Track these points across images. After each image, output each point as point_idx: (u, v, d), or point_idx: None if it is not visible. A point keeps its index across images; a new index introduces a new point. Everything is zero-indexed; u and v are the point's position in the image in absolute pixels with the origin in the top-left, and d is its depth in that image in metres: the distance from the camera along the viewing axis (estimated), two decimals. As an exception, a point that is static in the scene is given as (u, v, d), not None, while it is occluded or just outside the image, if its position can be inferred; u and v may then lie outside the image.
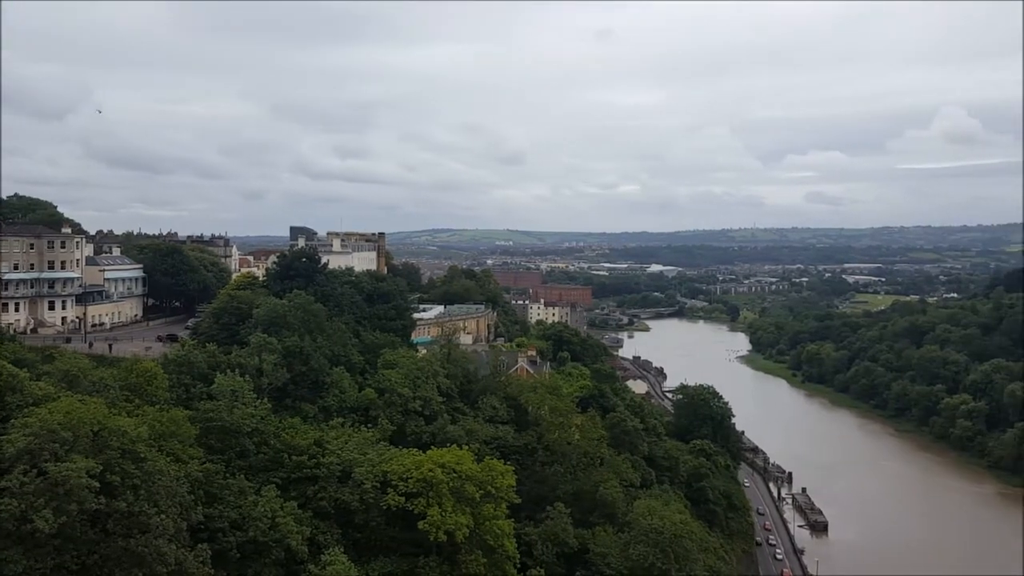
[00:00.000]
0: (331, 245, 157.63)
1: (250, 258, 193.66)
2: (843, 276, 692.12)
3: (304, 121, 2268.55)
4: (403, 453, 73.65)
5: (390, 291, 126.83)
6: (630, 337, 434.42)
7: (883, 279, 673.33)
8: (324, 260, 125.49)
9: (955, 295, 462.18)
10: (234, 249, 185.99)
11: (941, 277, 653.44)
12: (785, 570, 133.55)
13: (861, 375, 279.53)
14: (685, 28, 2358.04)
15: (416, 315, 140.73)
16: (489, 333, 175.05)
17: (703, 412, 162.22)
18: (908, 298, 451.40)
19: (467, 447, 76.82)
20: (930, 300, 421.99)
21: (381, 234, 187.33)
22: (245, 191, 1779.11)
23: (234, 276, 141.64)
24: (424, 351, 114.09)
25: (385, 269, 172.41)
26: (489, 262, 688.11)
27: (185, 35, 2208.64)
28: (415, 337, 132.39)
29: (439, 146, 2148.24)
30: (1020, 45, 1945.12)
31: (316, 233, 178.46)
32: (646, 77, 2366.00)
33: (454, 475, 68.55)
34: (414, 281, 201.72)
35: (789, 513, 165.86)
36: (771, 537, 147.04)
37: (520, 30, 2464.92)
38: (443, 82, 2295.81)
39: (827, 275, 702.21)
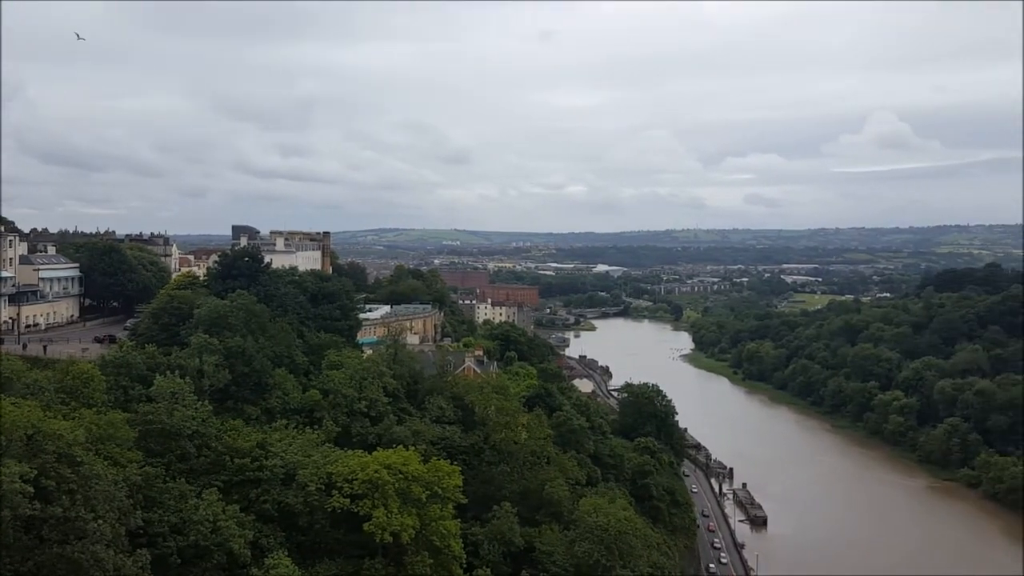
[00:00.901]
0: (274, 244, 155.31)
1: (191, 257, 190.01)
2: (782, 276, 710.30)
3: (245, 118, 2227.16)
4: (348, 455, 73.17)
5: (335, 291, 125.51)
6: (576, 336, 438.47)
7: (820, 279, 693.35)
8: (267, 260, 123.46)
9: (888, 295, 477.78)
10: (174, 248, 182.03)
11: (874, 277, 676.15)
12: None
13: (799, 372, 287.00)
14: (625, 31, 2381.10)
15: (362, 315, 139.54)
16: (436, 333, 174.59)
17: (647, 410, 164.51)
18: (843, 298, 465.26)
19: (413, 448, 76.63)
20: (864, 300, 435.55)
21: (326, 233, 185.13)
22: (185, 189, 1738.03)
23: (174, 276, 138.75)
24: (370, 351, 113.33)
25: (330, 269, 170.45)
26: (436, 262, 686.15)
27: (120, 31, 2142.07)
28: (361, 337, 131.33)
29: (384, 145, 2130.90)
30: (944, 52, 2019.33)
31: (259, 232, 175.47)
32: (589, 79, 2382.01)
33: (400, 476, 68.33)
34: (360, 281, 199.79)
35: (730, 508, 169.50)
36: (716, 539, 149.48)
37: (464, 29, 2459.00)
38: (387, 80, 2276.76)
39: (766, 275, 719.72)
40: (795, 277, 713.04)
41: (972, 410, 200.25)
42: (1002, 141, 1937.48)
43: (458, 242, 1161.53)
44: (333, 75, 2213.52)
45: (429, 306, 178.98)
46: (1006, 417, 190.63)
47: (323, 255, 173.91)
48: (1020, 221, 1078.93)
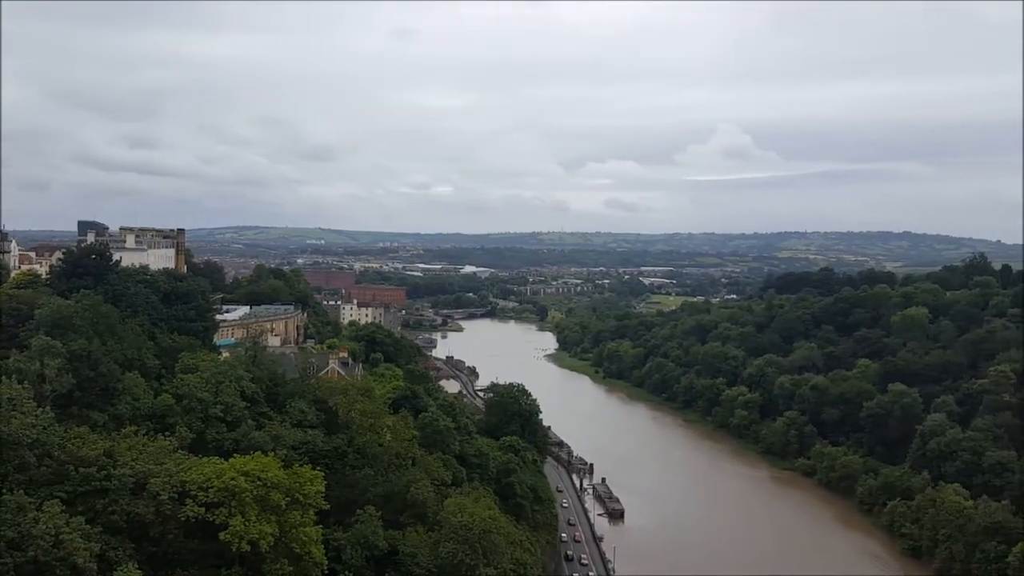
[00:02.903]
0: (124, 241, 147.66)
1: (32, 254, 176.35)
2: (640, 278, 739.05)
3: (87, 107, 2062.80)
4: (203, 462, 71.02)
5: (190, 291, 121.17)
6: (444, 337, 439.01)
7: (674, 281, 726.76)
8: (116, 257, 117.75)
9: (734, 296, 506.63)
10: (13, 244, 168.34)
11: (723, 280, 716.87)
12: (589, 570, 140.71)
13: (655, 370, 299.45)
14: (488, 34, 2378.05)
15: (219, 316, 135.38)
16: (298, 335, 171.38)
17: (512, 409, 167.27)
18: (695, 299, 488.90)
19: (273, 453, 75.34)
20: (714, 301, 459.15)
21: (180, 230, 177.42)
22: (24, 181, 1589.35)
23: (13, 274, 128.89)
24: (227, 354, 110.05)
25: (185, 268, 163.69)
26: (299, 261, 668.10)
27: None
28: (218, 339, 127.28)
29: (239, 139, 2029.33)
30: (779, 70, 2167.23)
31: (108, 228, 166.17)
32: (454, 80, 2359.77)
33: (259, 483, 67.03)
34: (217, 280, 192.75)
35: (590, 503, 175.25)
36: (576, 534, 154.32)
37: (325, 24, 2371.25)
38: (241, 72, 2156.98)
39: (626, 277, 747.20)
40: (652, 279, 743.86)
41: (808, 404, 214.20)
42: (832, 155, 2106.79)
43: (323, 241, 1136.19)
44: (183, 65, 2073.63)
45: (291, 307, 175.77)
46: (837, 410, 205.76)
47: (177, 253, 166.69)
48: (849, 229, 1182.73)
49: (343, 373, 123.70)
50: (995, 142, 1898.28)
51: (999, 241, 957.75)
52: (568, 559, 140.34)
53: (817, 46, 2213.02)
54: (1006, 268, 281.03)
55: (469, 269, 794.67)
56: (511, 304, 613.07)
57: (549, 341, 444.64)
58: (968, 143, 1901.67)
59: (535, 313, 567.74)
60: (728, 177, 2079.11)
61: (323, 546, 72.03)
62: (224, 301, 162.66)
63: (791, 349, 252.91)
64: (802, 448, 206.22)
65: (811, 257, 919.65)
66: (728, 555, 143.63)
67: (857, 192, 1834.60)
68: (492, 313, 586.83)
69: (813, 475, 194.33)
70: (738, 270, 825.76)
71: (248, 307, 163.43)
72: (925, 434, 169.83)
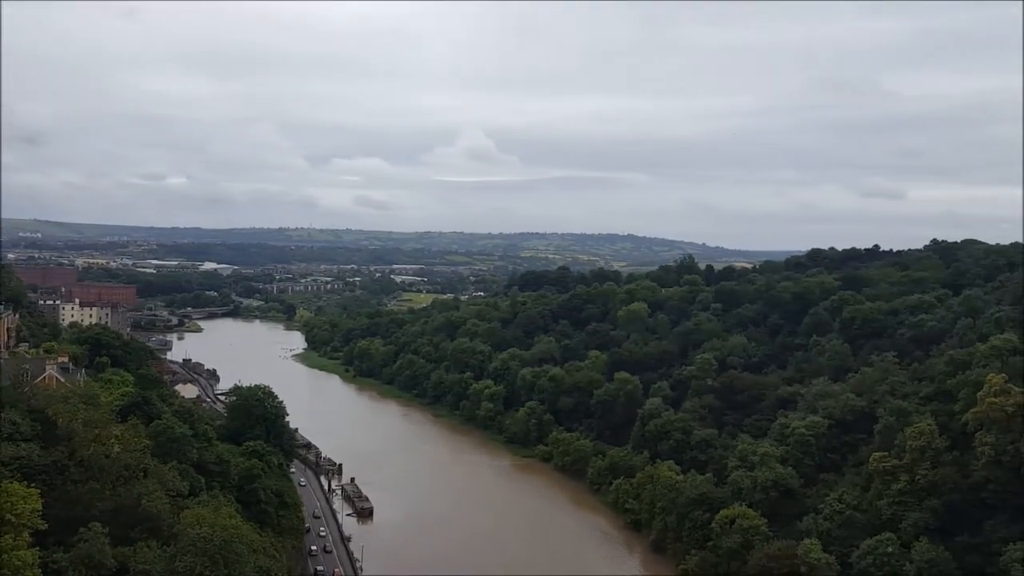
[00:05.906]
0: None
1: None
2: (392, 276, 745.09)
3: None
4: None
5: None
6: (180, 339, 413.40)
7: (425, 279, 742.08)
8: None
9: (482, 294, 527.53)
10: None
11: (471, 278, 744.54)
12: (336, 570, 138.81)
13: (405, 367, 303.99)
14: (223, 21, 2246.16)
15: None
16: (10, 338, 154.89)
17: (257, 413, 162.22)
18: (445, 296, 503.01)
19: (-22, 472, 67.84)
20: (463, 298, 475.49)
21: None
22: None
23: None
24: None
25: None
26: (10, 256, 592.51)
27: None
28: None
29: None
30: (522, 80, 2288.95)
31: None
32: (180, 64, 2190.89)
33: (-39, 506, 60.33)
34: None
35: (339, 504, 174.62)
36: (324, 535, 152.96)
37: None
38: None
39: (378, 275, 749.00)
40: (404, 277, 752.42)
41: (547, 394, 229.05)
42: (565, 162, 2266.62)
43: (39, 234, 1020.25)
44: None
45: (1, 307, 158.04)
46: (572, 399, 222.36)
47: None
48: (582, 231, 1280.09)
49: (63, 380, 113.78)
50: (701, 157, 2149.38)
51: (704, 244, 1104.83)
52: (312, 554, 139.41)
53: (554, 59, 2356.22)
54: (709, 268, 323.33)
55: (209, 266, 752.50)
56: (256, 303, 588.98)
57: (297, 340, 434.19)
58: (680, 157, 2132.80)
59: (282, 312, 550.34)
60: (473, 179, 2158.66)
61: (40, 570, 66.26)
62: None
63: (532, 343, 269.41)
64: (541, 436, 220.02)
65: (550, 256, 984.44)
66: (472, 542, 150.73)
67: (588, 197, 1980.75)
68: (235, 312, 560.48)
69: (551, 460, 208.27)
70: (485, 268, 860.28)
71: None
72: (644, 417, 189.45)
